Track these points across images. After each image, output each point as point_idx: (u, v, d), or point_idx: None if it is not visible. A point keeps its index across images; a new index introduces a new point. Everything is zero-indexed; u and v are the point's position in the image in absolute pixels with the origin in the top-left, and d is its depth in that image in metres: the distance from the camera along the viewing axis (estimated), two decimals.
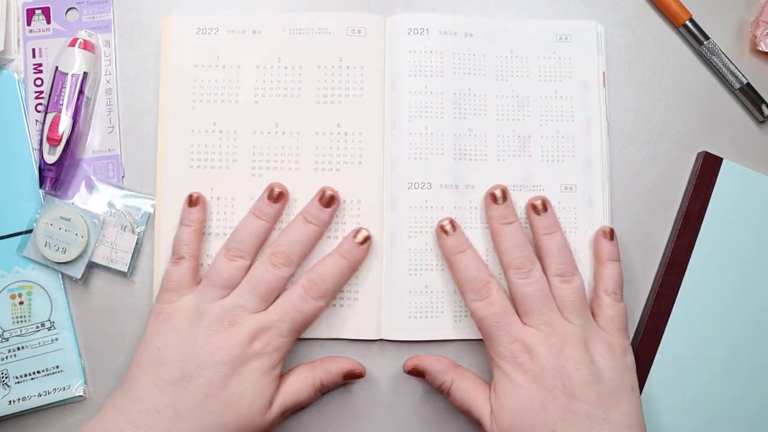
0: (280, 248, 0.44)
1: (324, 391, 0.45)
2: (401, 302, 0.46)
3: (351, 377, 0.45)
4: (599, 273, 0.45)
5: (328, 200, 0.45)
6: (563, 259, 0.44)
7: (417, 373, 0.45)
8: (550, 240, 0.45)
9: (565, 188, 0.48)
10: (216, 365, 0.40)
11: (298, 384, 0.43)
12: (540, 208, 0.46)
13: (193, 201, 0.46)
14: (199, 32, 0.49)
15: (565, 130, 0.49)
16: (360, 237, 0.45)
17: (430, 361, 0.44)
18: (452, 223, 0.45)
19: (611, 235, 0.46)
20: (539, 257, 0.45)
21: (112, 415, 0.40)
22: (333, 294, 0.45)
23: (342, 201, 0.47)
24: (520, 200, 0.48)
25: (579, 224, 0.48)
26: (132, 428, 0.39)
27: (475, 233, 0.47)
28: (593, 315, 0.44)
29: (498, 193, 0.46)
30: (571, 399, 0.40)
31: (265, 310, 0.43)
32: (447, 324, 0.47)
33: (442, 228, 0.45)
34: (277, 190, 0.46)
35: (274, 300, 0.43)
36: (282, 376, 0.43)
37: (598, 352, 0.42)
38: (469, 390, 0.43)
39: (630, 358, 0.43)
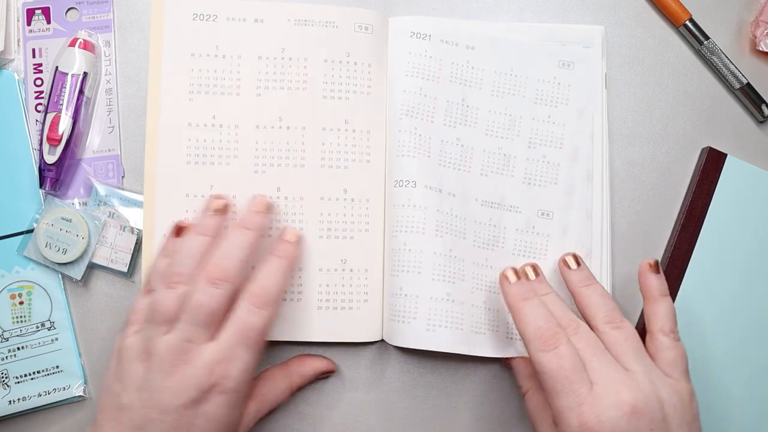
0: (215, 266, 0.39)
1: (297, 390, 0.45)
2: (385, 304, 0.46)
3: (321, 376, 0.46)
4: (651, 310, 0.42)
5: (265, 207, 0.43)
6: (607, 306, 0.41)
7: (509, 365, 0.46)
8: (589, 290, 0.43)
9: (542, 214, 0.48)
10: (177, 410, 0.37)
11: (276, 392, 0.43)
12: (572, 263, 0.44)
13: (179, 232, 0.42)
14: (196, 18, 0.47)
15: (552, 156, 0.48)
16: (289, 236, 0.43)
17: (518, 361, 0.45)
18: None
19: (657, 267, 0.43)
20: (580, 311, 0.43)
21: None
22: (279, 299, 0.41)
23: (350, 200, 0.46)
24: (494, 218, 0.47)
25: (549, 252, 0.47)
26: None
27: (456, 241, 0.46)
28: (651, 358, 0.40)
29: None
30: None
31: (215, 337, 0.39)
32: (420, 330, 0.44)
33: (505, 276, 0.43)
34: (221, 202, 0.42)
35: (221, 322, 0.39)
36: (255, 381, 0.42)
37: (670, 404, 0.38)
38: (538, 407, 0.43)
39: (696, 404, 0.39)
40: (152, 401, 0.37)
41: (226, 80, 0.47)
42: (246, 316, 0.39)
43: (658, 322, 0.41)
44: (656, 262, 0.43)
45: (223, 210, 0.42)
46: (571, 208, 0.48)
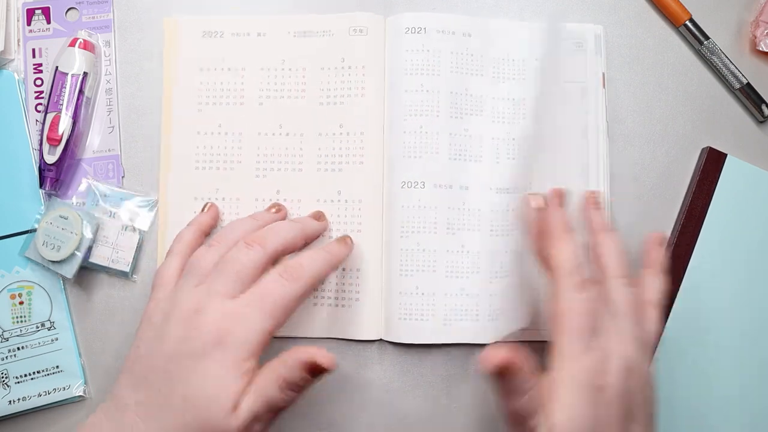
0: (254, 234, 0.41)
1: (295, 389, 0.37)
2: (393, 303, 0.46)
3: (316, 370, 0.37)
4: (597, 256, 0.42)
5: (321, 217, 0.47)
6: (623, 262, 0.41)
7: (502, 372, 0.37)
8: (608, 239, 0.42)
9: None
10: (178, 357, 0.37)
11: (262, 382, 0.37)
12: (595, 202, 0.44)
13: (205, 209, 0.47)
14: (205, 35, 0.49)
15: (564, 135, 0.49)
16: (346, 239, 0.45)
17: (516, 355, 0.37)
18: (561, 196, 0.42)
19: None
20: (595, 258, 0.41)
21: (97, 416, 0.38)
22: (311, 280, 0.40)
23: (344, 201, 0.47)
24: (512, 203, 0.47)
25: None
26: (110, 425, 0.37)
27: (471, 235, 0.47)
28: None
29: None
30: (630, 423, 0.36)
31: (237, 297, 0.38)
32: (437, 328, 0.46)
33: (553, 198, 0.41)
34: (280, 208, 0.47)
35: (248, 285, 0.39)
36: (256, 374, 0.38)
37: (639, 363, 0.38)
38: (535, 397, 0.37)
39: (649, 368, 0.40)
40: (162, 350, 0.37)
41: (231, 91, 0.49)
42: (271, 283, 0.39)
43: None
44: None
45: (279, 211, 0.46)
46: (587, 183, 0.48)
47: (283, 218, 0.46)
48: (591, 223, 0.43)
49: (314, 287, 0.41)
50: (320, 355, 0.37)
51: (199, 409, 0.36)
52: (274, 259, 0.41)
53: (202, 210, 0.47)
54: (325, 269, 0.41)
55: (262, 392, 0.37)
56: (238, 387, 0.36)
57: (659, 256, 0.43)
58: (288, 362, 0.37)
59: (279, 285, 0.39)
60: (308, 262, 0.40)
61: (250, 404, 0.36)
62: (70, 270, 0.46)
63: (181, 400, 0.36)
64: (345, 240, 0.45)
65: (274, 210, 0.46)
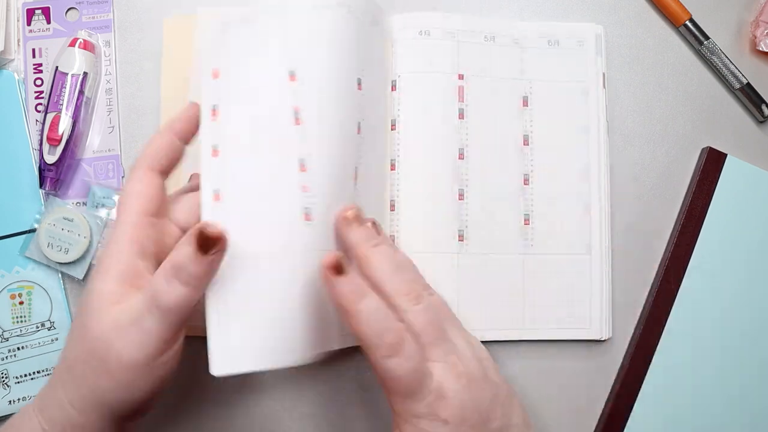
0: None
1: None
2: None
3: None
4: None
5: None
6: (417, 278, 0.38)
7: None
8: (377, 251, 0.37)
9: (560, 193, 0.48)
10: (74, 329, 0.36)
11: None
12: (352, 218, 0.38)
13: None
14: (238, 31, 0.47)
15: (565, 134, 0.49)
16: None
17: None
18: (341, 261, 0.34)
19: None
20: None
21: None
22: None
23: None
24: (519, 204, 0.48)
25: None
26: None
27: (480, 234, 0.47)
28: None
29: (351, 214, 0.38)
30: (487, 423, 0.36)
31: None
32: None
33: (333, 268, 0.34)
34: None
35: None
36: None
37: (485, 358, 0.38)
38: None
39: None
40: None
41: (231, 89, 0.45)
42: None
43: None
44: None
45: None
46: (588, 182, 0.48)
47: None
48: (348, 241, 0.38)
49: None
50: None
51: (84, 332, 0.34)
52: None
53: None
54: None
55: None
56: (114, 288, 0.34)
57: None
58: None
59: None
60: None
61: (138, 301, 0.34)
62: (80, 271, 0.46)
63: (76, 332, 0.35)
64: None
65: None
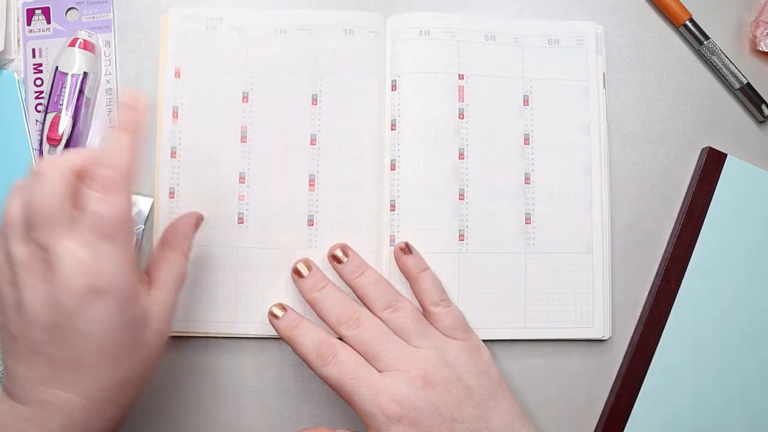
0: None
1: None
2: None
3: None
4: (417, 288, 0.45)
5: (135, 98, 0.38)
6: (383, 292, 0.44)
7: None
8: (362, 279, 0.44)
9: (561, 192, 0.48)
10: (57, 324, 0.35)
11: (175, 266, 0.40)
12: (341, 256, 0.45)
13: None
14: (200, 28, 0.48)
15: (566, 133, 0.49)
16: (132, 101, 0.38)
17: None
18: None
19: (408, 248, 0.46)
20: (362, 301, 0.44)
21: None
22: (127, 177, 0.36)
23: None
24: (520, 203, 0.48)
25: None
26: (22, 409, 0.35)
27: (475, 233, 0.47)
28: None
29: (301, 266, 0.45)
30: (453, 424, 0.39)
31: (71, 235, 0.35)
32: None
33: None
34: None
35: (73, 219, 0.35)
36: (147, 270, 0.40)
37: (459, 362, 0.41)
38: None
39: (486, 353, 0.43)
40: (30, 321, 0.34)
41: (228, 88, 0.48)
42: (95, 207, 0.34)
43: (426, 297, 0.44)
44: (406, 244, 0.46)
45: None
46: (590, 181, 0.48)
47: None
48: (343, 276, 0.45)
49: (134, 176, 0.37)
50: (195, 214, 0.44)
51: (111, 330, 0.35)
52: (78, 177, 0.36)
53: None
54: (133, 155, 0.36)
55: (171, 275, 0.40)
56: (138, 307, 0.36)
57: (412, 262, 0.45)
58: (189, 233, 0.42)
59: (104, 204, 0.34)
60: (116, 161, 0.35)
61: (163, 295, 0.38)
62: None
63: (91, 344, 0.34)
64: (134, 102, 0.37)
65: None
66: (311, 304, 0.44)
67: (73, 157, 0.36)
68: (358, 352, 0.41)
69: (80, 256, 0.34)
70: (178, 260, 0.41)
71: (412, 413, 0.39)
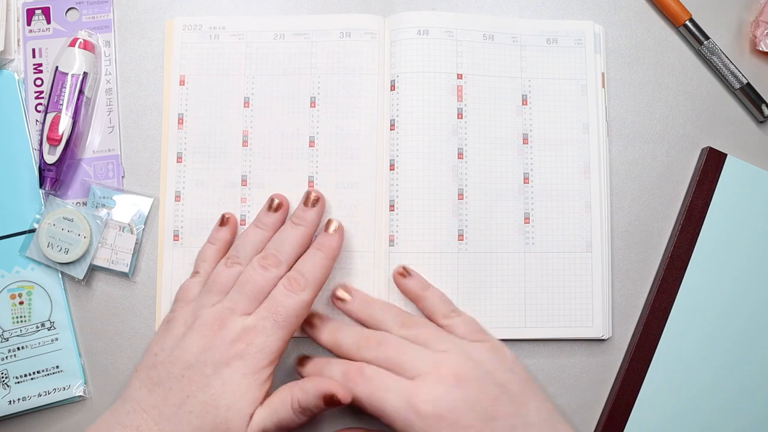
0: (269, 251, 0.44)
1: (308, 414, 0.40)
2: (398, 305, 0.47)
3: (331, 402, 0.40)
4: (424, 307, 0.45)
5: (314, 201, 0.46)
6: (394, 313, 0.45)
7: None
8: (371, 309, 0.45)
9: (560, 192, 0.48)
10: (199, 366, 0.40)
11: (276, 402, 0.40)
12: (345, 296, 0.45)
13: (223, 221, 0.47)
14: (203, 37, 0.49)
15: (565, 132, 0.49)
16: (331, 228, 0.45)
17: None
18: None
19: (407, 271, 0.46)
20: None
21: (106, 416, 0.40)
22: (315, 285, 0.43)
23: (340, 201, 0.47)
24: (519, 202, 0.48)
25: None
26: (119, 428, 0.39)
27: (474, 234, 0.47)
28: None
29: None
30: (490, 422, 0.39)
31: (253, 312, 0.42)
32: None
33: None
34: (276, 200, 0.46)
35: (263, 302, 0.42)
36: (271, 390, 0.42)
37: (486, 360, 0.42)
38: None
39: (508, 351, 0.43)
40: (182, 357, 0.40)
41: (230, 93, 0.49)
42: (279, 296, 0.42)
43: (436, 312, 0.45)
44: (404, 268, 0.46)
45: (277, 208, 0.46)
46: (589, 181, 0.48)
47: (284, 214, 0.46)
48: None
49: (319, 289, 0.43)
50: (340, 389, 0.40)
51: (218, 411, 0.39)
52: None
53: (221, 222, 0.47)
54: (324, 272, 0.44)
55: (276, 410, 0.40)
56: (257, 396, 0.40)
57: (413, 283, 0.46)
58: (306, 389, 0.40)
59: (286, 297, 0.42)
60: (309, 269, 0.43)
61: (262, 418, 0.40)
62: (80, 271, 0.46)
63: (201, 405, 0.39)
64: (336, 229, 0.45)
65: (273, 209, 0.46)
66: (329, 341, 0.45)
67: (285, 260, 0.44)
68: (384, 369, 0.41)
69: (247, 325, 0.41)
70: (284, 399, 0.41)
71: (449, 414, 0.39)
